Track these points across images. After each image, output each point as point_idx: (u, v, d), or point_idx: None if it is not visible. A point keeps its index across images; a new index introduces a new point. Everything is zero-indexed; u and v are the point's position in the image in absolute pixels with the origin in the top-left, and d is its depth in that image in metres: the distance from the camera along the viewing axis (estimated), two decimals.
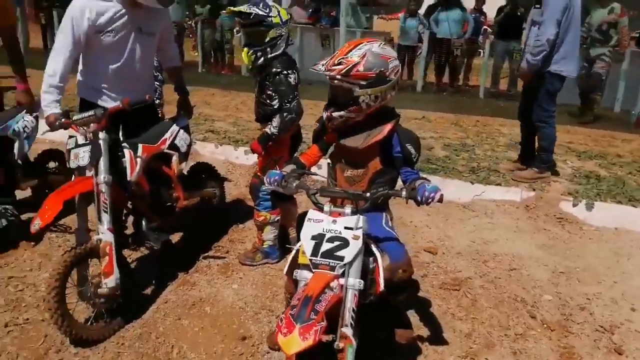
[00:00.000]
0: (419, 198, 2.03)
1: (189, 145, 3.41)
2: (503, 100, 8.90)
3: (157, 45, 3.25)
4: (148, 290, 2.98)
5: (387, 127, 2.28)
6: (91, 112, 2.68)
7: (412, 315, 2.82)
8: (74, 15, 2.83)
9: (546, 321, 2.89)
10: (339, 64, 2.17)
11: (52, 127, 2.79)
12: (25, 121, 3.61)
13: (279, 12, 3.10)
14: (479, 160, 5.35)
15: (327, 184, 2.48)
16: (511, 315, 2.92)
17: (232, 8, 3.21)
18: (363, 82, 2.18)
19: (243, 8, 3.09)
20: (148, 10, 2.98)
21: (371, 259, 2.11)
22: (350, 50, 2.20)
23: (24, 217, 3.59)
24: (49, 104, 2.83)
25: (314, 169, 2.52)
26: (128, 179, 2.86)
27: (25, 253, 3.32)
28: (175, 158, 3.27)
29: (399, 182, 2.33)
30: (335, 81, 2.18)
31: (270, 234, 3.33)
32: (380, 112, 2.30)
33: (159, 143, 3.14)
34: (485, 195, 4.61)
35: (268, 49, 3.11)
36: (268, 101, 3.17)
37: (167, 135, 3.21)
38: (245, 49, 3.16)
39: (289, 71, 3.12)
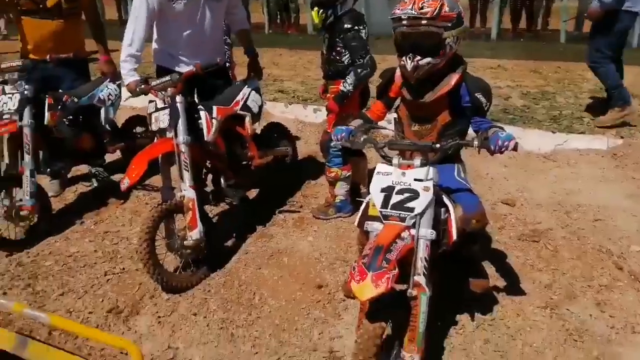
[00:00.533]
0: (492, 147, 1.97)
1: (260, 106, 3.48)
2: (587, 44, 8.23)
3: (226, 9, 3.31)
4: (229, 243, 3.15)
5: (454, 78, 2.21)
6: (167, 78, 2.80)
7: (489, 267, 2.78)
8: None
9: (634, 272, 2.74)
10: (423, 7, 2.10)
11: (133, 93, 2.95)
12: (109, 89, 3.84)
13: None
14: (560, 108, 5.06)
15: (394, 138, 2.46)
16: (595, 267, 2.80)
17: None
18: (448, 24, 2.11)
19: None
20: None
21: (443, 209, 2.09)
22: None
23: (114, 178, 3.89)
24: (128, 72, 2.99)
25: (381, 124, 2.52)
26: (205, 139, 2.99)
27: (116, 210, 3.60)
28: (248, 119, 3.37)
29: (471, 133, 2.26)
30: (422, 26, 2.11)
31: (342, 189, 3.38)
32: (454, 61, 2.24)
33: (232, 105, 3.23)
34: (568, 145, 4.38)
35: (338, 6, 3.08)
36: (338, 58, 3.16)
37: (239, 97, 3.29)
38: (315, 8, 3.15)
39: (360, 26, 3.08)
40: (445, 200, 2.10)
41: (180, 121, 2.76)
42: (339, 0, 3.05)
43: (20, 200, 3.14)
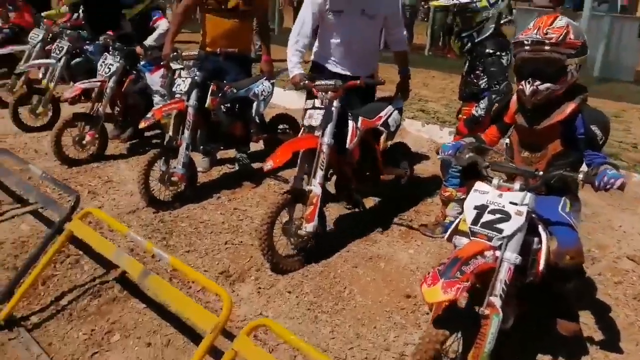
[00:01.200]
0: (596, 182, 1.93)
1: (398, 126, 3.65)
2: None
3: (384, 27, 3.55)
4: (336, 239, 3.38)
5: (570, 107, 2.19)
6: (331, 82, 3.07)
7: (591, 317, 2.63)
8: None
9: None
10: (548, 33, 2.14)
11: (296, 86, 3.35)
12: (264, 86, 4.33)
13: None
14: None
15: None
16: None
17: (436, 2, 3.31)
18: (572, 51, 2.13)
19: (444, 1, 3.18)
20: None
21: (536, 239, 2.08)
22: (552, 22, 2.16)
23: (254, 165, 4.37)
24: (294, 65, 3.40)
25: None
26: (347, 146, 3.24)
27: (248, 193, 4.05)
28: (384, 136, 3.57)
29: (584, 167, 2.20)
30: (545, 52, 2.15)
31: (453, 210, 3.41)
32: (573, 89, 2.21)
33: (375, 119, 3.43)
34: None
35: (474, 34, 3.14)
36: (475, 80, 3.22)
37: (383, 113, 3.49)
38: (452, 38, 3.25)
39: (502, 52, 3.11)
40: (541, 230, 2.09)
41: (330, 124, 3.03)
42: (475, 28, 3.11)
43: (174, 168, 3.73)
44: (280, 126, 4.80)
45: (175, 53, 4.09)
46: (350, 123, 3.25)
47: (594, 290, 2.92)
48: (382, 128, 3.50)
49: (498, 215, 2.01)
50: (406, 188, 3.97)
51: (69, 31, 5.56)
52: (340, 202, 3.80)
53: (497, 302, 1.93)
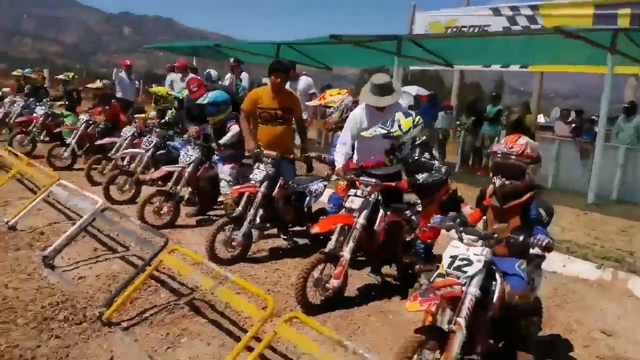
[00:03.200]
0: (531, 240, 2.78)
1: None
2: None
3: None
4: (358, 297, 4.18)
5: (527, 195, 3.09)
6: (374, 180, 4.16)
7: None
8: (352, 117, 4.59)
9: None
10: (512, 148, 3.12)
11: (340, 176, 4.44)
12: (318, 185, 5.37)
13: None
14: None
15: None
16: None
17: (366, 133, 4.22)
18: (529, 160, 3.08)
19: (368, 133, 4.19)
20: (389, 111, 4.42)
21: (494, 282, 2.89)
22: (517, 140, 3.14)
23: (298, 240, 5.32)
24: (341, 161, 4.50)
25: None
26: (375, 227, 4.17)
27: (288, 261, 4.95)
28: (406, 227, 4.48)
29: None
30: (512, 159, 3.10)
31: (424, 279, 4.13)
32: (529, 186, 3.13)
33: (400, 215, 4.39)
34: None
35: (397, 153, 4.14)
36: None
37: (407, 212, 4.43)
38: (384, 155, 4.24)
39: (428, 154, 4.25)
40: (497, 277, 2.90)
41: (366, 210, 4.03)
42: (395, 150, 4.13)
43: (236, 235, 4.71)
44: (321, 217, 5.78)
45: (258, 150, 5.19)
46: (381, 211, 4.20)
47: (564, 352, 3.56)
48: (404, 222, 4.43)
49: (465, 262, 2.86)
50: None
51: (158, 129, 7.01)
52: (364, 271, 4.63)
53: (462, 321, 2.71)
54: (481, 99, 13.06)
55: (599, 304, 4.44)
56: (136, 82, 13.19)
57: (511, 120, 11.05)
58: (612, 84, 8.64)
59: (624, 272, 4.98)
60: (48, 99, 10.07)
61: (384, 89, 4.48)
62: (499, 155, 3.15)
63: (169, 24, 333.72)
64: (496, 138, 11.06)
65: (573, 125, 11.19)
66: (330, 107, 5.06)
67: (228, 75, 10.47)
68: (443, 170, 4.16)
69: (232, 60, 10.41)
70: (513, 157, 3.09)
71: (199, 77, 8.69)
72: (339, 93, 5.23)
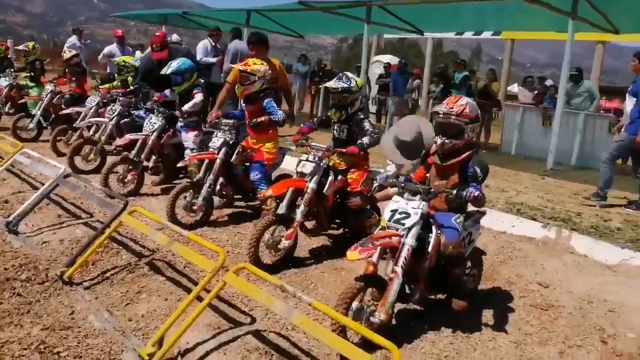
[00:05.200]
0: (462, 193, 3.00)
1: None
2: None
3: None
4: (312, 257, 4.39)
5: (466, 153, 3.29)
6: (324, 147, 4.34)
7: (491, 313, 3.56)
8: None
9: (616, 350, 3.25)
10: (452, 108, 3.30)
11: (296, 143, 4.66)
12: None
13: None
14: None
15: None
16: (580, 336, 3.37)
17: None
18: (468, 120, 3.26)
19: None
20: None
21: (430, 234, 3.12)
22: (457, 101, 3.33)
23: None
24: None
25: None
26: (324, 191, 4.33)
27: (247, 223, 5.13)
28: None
29: None
30: (451, 119, 3.29)
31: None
32: (468, 145, 3.33)
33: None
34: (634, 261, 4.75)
35: (348, 108, 4.45)
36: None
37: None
38: (332, 110, 4.63)
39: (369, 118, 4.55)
40: (433, 228, 3.13)
41: (316, 175, 4.20)
42: (348, 105, 4.45)
43: (197, 200, 4.85)
44: None
45: (217, 120, 5.29)
46: (330, 177, 4.36)
47: (502, 302, 3.84)
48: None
49: (404, 215, 3.08)
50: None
51: (122, 97, 7.02)
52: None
53: (398, 270, 2.95)
54: (450, 67, 13.17)
55: (541, 260, 4.74)
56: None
57: (478, 88, 11.30)
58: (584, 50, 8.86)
59: (567, 231, 5.29)
60: (12, 70, 9.90)
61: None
62: (440, 115, 3.33)
63: None
64: None
65: (535, 92, 11.46)
66: (254, 75, 5.00)
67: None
68: (377, 131, 4.40)
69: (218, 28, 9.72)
70: (453, 116, 3.28)
71: (163, 32, 8.58)
72: (262, 64, 5.20)
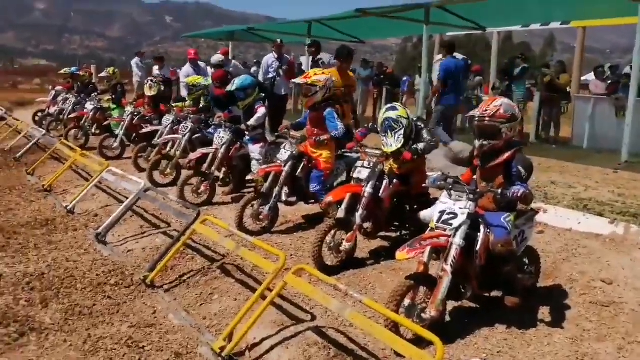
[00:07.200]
0: (507, 193, 3.09)
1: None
2: None
3: None
4: (370, 258, 4.58)
5: (507, 154, 3.36)
6: (378, 152, 4.49)
7: (547, 305, 3.60)
8: None
9: None
10: (486, 110, 3.40)
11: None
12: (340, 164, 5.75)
13: None
14: None
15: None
16: None
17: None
18: (503, 120, 3.35)
19: None
20: None
21: (479, 234, 3.22)
22: (491, 103, 3.42)
23: None
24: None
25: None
26: (379, 194, 4.51)
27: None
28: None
29: None
30: (485, 121, 3.40)
31: None
32: (510, 144, 3.40)
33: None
34: None
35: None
36: None
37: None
38: None
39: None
40: (482, 227, 3.23)
41: (372, 180, 4.36)
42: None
43: (263, 209, 5.17)
44: None
45: (286, 130, 5.57)
46: (385, 182, 4.53)
47: (561, 299, 3.83)
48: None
49: (451, 216, 3.21)
50: None
51: (192, 116, 7.56)
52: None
53: (448, 268, 3.09)
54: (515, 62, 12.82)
55: (607, 257, 4.63)
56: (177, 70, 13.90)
57: (544, 82, 10.93)
58: None
59: (636, 226, 5.11)
60: (96, 94, 10.88)
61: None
62: (475, 119, 3.43)
63: (209, 9, 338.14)
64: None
65: (609, 82, 10.93)
66: (315, 86, 5.22)
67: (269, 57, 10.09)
68: (434, 140, 4.50)
69: (279, 41, 10.01)
70: (487, 118, 3.37)
71: (223, 71, 8.99)
72: (323, 73, 5.43)
